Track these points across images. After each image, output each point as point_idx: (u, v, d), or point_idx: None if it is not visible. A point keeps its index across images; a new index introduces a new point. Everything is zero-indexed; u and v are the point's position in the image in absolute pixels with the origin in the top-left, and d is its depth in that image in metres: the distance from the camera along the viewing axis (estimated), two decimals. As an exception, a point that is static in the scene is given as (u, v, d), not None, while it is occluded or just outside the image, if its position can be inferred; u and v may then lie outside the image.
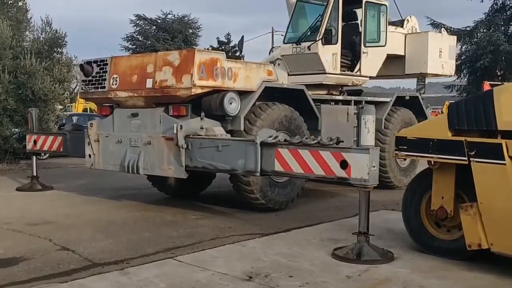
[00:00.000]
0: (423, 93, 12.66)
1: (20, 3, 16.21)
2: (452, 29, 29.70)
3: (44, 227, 7.57)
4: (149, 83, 8.27)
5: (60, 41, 15.85)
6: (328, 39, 10.33)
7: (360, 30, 11.06)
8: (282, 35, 11.80)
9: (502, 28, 30.21)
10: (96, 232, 7.31)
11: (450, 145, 5.54)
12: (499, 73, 30.00)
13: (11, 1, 16.09)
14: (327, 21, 10.35)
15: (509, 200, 5.12)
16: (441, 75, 12.83)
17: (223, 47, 39.36)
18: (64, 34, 15.90)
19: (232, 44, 39.75)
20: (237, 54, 27.15)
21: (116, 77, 8.75)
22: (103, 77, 8.99)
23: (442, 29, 17.91)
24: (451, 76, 13.45)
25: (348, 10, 11.08)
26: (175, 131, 7.82)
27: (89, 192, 10.82)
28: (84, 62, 9.35)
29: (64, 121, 19.71)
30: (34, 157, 11.32)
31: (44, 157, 16.00)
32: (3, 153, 15.06)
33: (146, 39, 38.91)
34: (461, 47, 30.42)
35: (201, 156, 7.66)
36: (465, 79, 31.67)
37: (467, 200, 5.66)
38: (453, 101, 7.99)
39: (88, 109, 33.96)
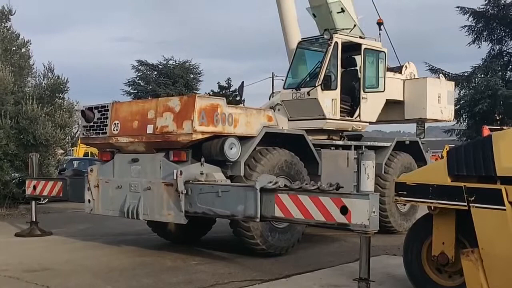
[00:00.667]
0: (423, 138, 12.74)
1: (23, 50, 16.48)
2: (450, 74, 30.08)
3: (42, 274, 7.51)
4: (149, 129, 8.35)
5: (62, 86, 16.04)
6: (327, 85, 10.48)
7: (359, 76, 11.23)
8: (282, 79, 12.00)
9: (500, 73, 30.58)
10: (95, 278, 7.25)
11: (449, 191, 5.56)
12: (498, 118, 30.20)
13: (14, 48, 16.36)
14: (326, 67, 10.52)
15: (509, 246, 5.11)
16: (440, 120, 12.95)
17: (223, 92, 39.75)
18: (66, 80, 16.12)
19: (232, 88, 40.16)
20: (238, 98, 27.38)
21: (117, 123, 8.84)
22: (104, 123, 9.08)
23: (440, 75, 18.16)
24: (450, 121, 13.58)
25: (347, 57, 11.27)
26: (175, 177, 7.85)
27: (88, 238, 10.77)
28: (86, 108, 9.46)
29: (64, 165, 19.75)
30: (34, 202, 11.32)
31: (43, 202, 15.97)
32: (2, 198, 15.04)
33: (148, 84, 39.37)
34: (460, 92, 30.74)
35: (201, 202, 7.67)
36: (465, 123, 31.87)
37: (468, 245, 5.64)
38: (453, 146, 8.05)
39: (89, 153, 34.05)
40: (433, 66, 31.06)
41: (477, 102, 29.26)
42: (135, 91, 39.44)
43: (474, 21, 30.82)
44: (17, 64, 16.15)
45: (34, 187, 11.07)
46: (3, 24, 16.34)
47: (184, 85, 38.78)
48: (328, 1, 11.67)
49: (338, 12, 11.45)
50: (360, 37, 11.28)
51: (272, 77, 45.03)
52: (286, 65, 11.81)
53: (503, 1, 30.06)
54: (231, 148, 8.29)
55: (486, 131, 22.06)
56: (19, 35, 16.47)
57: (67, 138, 16.08)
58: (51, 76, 16.04)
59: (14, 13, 16.52)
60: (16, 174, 15.35)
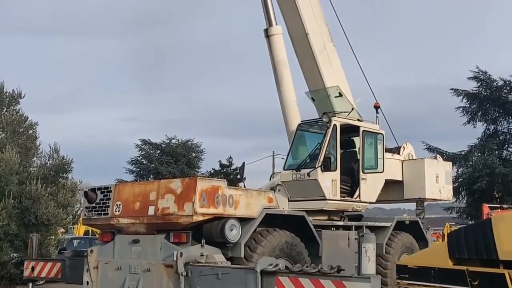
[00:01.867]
0: (423, 217, 12.65)
1: (30, 131, 16.71)
2: (447, 153, 30.27)
3: None
4: (151, 210, 8.32)
5: (66, 166, 16.13)
6: (327, 166, 10.51)
7: (358, 157, 11.29)
8: (283, 158, 12.07)
9: (496, 152, 30.79)
10: None
11: (452, 274, 5.46)
12: (497, 196, 30.09)
13: (22, 130, 16.60)
14: (326, 149, 10.60)
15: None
16: (440, 200, 12.90)
17: (225, 170, 39.87)
18: (70, 160, 16.23)
19: (233, 166, 40.27)
20: (238, 177, 27.42)
21: (119, 204, 8.82)
22: (107, 204, 9.06)
23: (437, 155, 18.28)
24: (450, 200, 13.52)
25: (346, 138, 11.39)
26: (175, 258, 7.73)
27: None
28: (89, 190, 9.46)
29: (64, 245, 19.48)
30: (30, 283, 11.06)
31: (41, 282, 15.60)
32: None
33: (150, 162, 39.54)
34: (458, 170, 30.81)
35: (201, 284, 7.51)
36: (464, 201, 31.72)
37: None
38: (453, 226, 7.97)
39: (90, 231, 33.68)
40: (430, 145, 31.30)
41: (476, 180, 29.26)
42: (138, 169, 39.56)
43: (468, 102, 31.37)
44: (24, 145, 16.31)
45: (33, 269, 10.84)
46: (12, 107, 16.68)
47: (186, 164, 38.94)
48: (326, 85, 11.94)
49: (336, 96, 11.68)
50: (358, 120, 11.45)
51: (273, 155, 45.31)
52: (286, 143, 11.93)
53: (495, 84, 30.72)
54: (231, 230, 8.20)
55: (486, 209, 21.93)
56: (27, 117, 16.76)
57: (69, 217, 15.97)
58: (56, 157, 16.17)
59: (24, 97, 16.90)
60: (15, 254, 15.11)
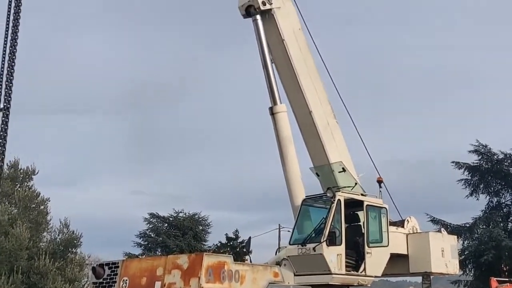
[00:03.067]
0: (430, 292, 12.36)
1: (41, 207, 16.79)
2: (451, 225, 29.88)
3: None
4: (157, 286, 8.24)
5: (75, 241, 16.07)
6: (332, 241, 10.43)
7: (363, 231, 11.21)
8: (289, 231, 11.97)
9: (501, 224, 30.37)
10: None
11: None
12: (504, 269, 29.40)
13: (33, 205, 16.69)
14: (330, 224, 10.55)
15: None
16: (446, 274, 12.66)
17: (231, 243, 39.41)
18: (80, 235, 16.20)
19: (240, 239, 39.83)
20: (245, 250, 27.08)
21: (126, 280, 8.73)
22: (113, 279, 8.97)
23: (442, 229, 18.07)
24: (456, 274, 13.27)
25: (350, 213, 11.35)
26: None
27: None
28: (97, 265, 9.39)
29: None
30: None
31: None
32: None
33: (158, 235, 39.20)
34: (463, 243, 30.29)
35: None
36: (471, 274, 30.98)
37: None
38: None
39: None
40: (434, 217, 30.94)
41: (482, 253, 28.70)
42: (146, 242, 39.17)
43: (470, 175, 31.31)
44: (35, 220, 16.37)
45: None
46: (25, 183, 16.86)
47: (193, 237, 38.56)
48: (330, 161, 12.04)
49: (339, 172, 11.74)
50: (362, 194, 11.46)
51: (279, 228, 44.86)
52: (292, 216, 11.86)
53: (495, 157, 30.77)
54: (237, 306, 8.06)
55: (494, 283, 21.35)
56: (39, 193, 16.89)
57: (75, 292, 15.72)
58: (66, 231, 16.14)
59: (37, 173, 17.11)
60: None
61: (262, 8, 12.29)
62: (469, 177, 31.30)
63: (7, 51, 7.18)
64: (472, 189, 31.19)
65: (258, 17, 12.36)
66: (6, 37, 7.65)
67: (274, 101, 12.63)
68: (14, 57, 7.06)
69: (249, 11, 12.41)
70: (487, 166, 30.91)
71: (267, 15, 12.45)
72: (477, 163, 31.02)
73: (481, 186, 31.15)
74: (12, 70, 6.95)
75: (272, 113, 12.61)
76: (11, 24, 7.33)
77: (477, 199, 31.12)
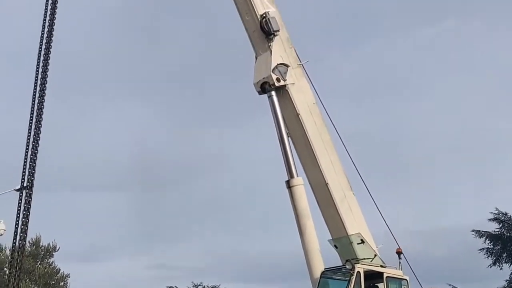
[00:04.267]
0: None
1: (61, 283, 16.62)
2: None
3: None
4: None
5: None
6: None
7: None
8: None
9: (527, 294, 29.18)
10: None
11: None
12: None
13: (53, 282, 16.53)
14: (350, 296, 10.25)
15: None
16: None
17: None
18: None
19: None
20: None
21: None
22: None
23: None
24: None
25: (370, 285, 11.06)
26: None
27: None
28: None
29: None
30: None
31: None
32: None
33: (177, 310, 38.25)
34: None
35: None
36: None
37: None
38: None
39: None
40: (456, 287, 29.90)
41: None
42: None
43: (492, 243, 30.47)
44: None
45: None
46: (46, 260, 16.81)
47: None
48: (348, 233, 11.85)
49: (358, 243, 11.54)
50: (382, 266, 11.21)
51: (300, 302, 43.58)
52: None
53: (517, 224, 30.03)
54: None
55: None
56: (59, 269, 16.79)
57: None
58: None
59: (58, 250, 17.08)
60: None
61: (276, 84, 12.52)
62: (491, 246, 30.44)
63: (32, 132, 7.38)
64: (494, 258, 30.24)
65: (273, 93, 12.57)
66: (31, 121, 7.93)
67: (291, 174, 12.62)
68: (38, 138, 7.25)
69: (264, 88, 12.64)
70: (509, 234, 30.11)
71: (282, 91, 12.67)
72: (498, 231, 30.25)
73: (504, 255, 30.20)
74: (36, 151, 7.12)
75: (289, 186, 12.56)
76: (35, 108, 7.59)
77: (501, 268, 30.10)
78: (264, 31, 12.57)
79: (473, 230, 30.92)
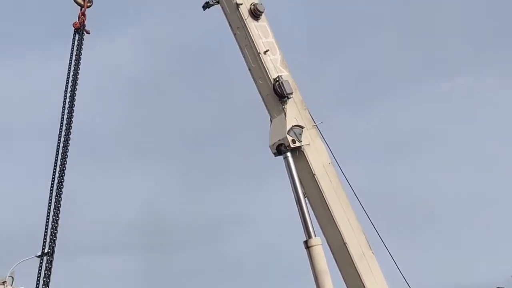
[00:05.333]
0: None
1: None
2: None
3: None
4: None
5: None
6: None
7: None
8: None
9: None
10: None
11: None
12: None
13: None
14: None
15: None
16: None
17: None
18: None
19: None
20: None
21: None
22: None
23: None
24: None
25: None
26: None
27: None
28: None
29: None
30: None
31: None
32: None
33: None
34: None
35: None
36: None
37: None
38: None
39: None
40: None
41: None
42: None
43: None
44: None
45: None
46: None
47: None
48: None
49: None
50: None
51: None
52: None
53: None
54: None
55: None
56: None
57: None
58: None
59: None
60: None
61: (292, 146, 12.60)
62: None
63: (53, 199, 7.53)
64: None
65: (289, 154, 12.65)
66: (51, 188, 8.17)
67: (308, 235, 12.50)
68: (59, 205, 7.39)
69: (280, 149, 12.74)
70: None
71: (298, 152, 12.74)
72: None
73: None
74: (57, 218, 7.24)
75: (307, 246, 12.41)
76: (57, 175, 7.81)
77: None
78: (278, 94, 12.81)
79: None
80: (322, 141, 13.24)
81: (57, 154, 9.36)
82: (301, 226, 12.65)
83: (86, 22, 12.70)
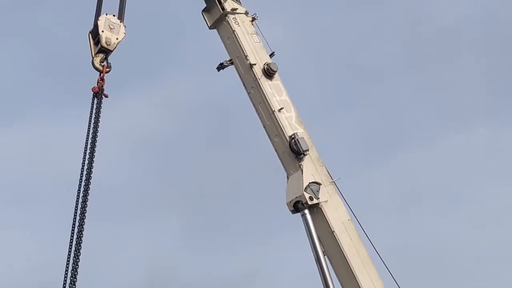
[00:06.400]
0: None
1: None
2: None
3: None
4: None
5: None
6: None
7: None
8: None
9: None
10: None
11: None
12: None
13: None
14: None
15: None
16: None
17: None
18: None
19: None
20: None
21: None
22: None
23: None
24: None
25: None
26: None
27: None
28: None
29: None
30: None
31: None
32: None
33: None
34: None
35: None
36: None
37: None
38: None
39: None
40: None
41: None
42: None
43: None
44: None
45: None
46: None
47: None
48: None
49: None
50: None
51: None
52: None
53: None
54: None
55: None
56: None
57: None
58: None
59: None
60: None
61: (309, 203, 12.41)
62: None
63: (72, 255, 7.43)
64: None
65: (306, 211, 12.45)
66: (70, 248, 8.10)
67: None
68: (78, 259, 7.29)
69: (297, 207, 12.55)
70: None
71: (315, 209, 12.54)
72: None
73: None
74: (76, 273, 7.11)
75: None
76: (76, 230, 7.75)
77: None
78: (294, 152, 12.78)
79: None
80: (340, 197, 13.06)
81: (74, 222, 9.33)
82: (321, 284, 12.31)
83: (104, 86, 12.99)
